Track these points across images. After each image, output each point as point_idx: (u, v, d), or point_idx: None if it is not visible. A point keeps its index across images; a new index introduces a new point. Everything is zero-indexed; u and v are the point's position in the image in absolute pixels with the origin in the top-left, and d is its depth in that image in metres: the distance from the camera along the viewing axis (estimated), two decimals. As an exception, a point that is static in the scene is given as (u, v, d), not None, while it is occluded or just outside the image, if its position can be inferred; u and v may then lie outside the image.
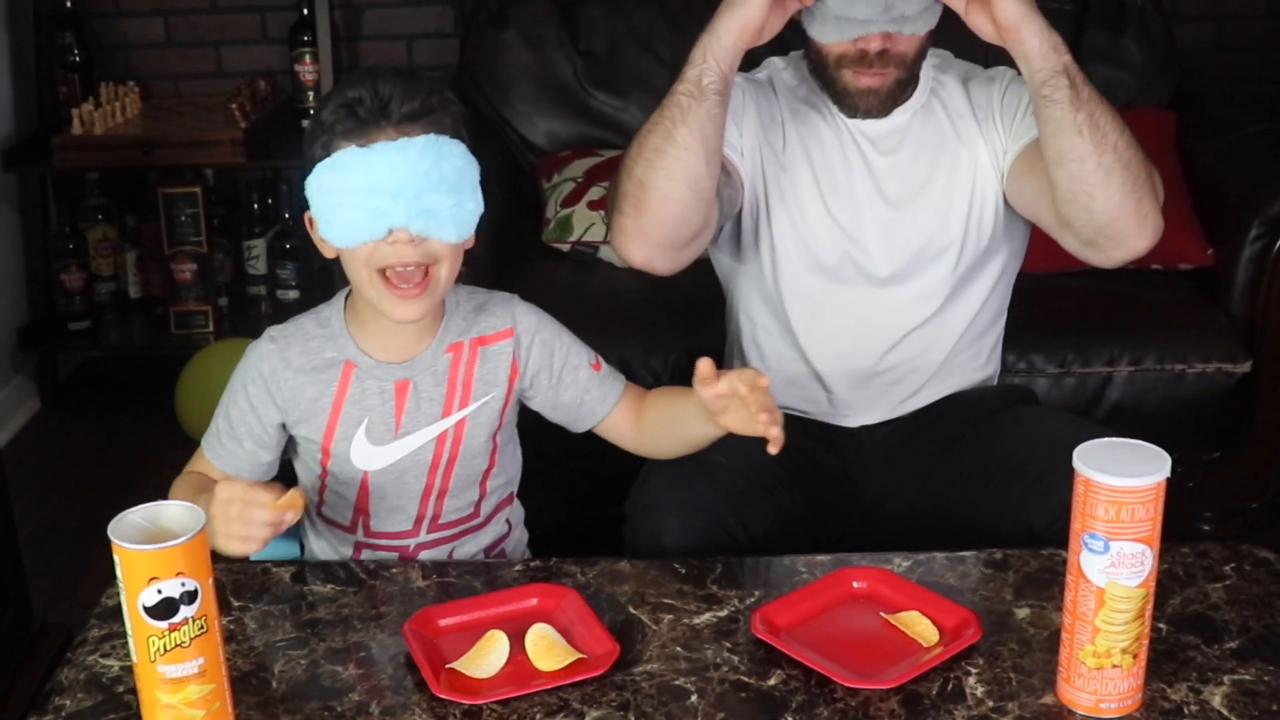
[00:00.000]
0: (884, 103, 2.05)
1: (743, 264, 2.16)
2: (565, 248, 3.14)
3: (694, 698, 1.48)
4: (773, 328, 2.16)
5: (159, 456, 1.86)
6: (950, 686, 1.49)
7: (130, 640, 1.35)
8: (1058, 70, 1.83)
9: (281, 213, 3.90)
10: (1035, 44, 1.83)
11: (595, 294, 2.97)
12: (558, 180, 3.23)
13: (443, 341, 1.83)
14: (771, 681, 1.51)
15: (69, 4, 3.82)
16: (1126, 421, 2.70)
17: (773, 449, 1.70)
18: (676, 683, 1.51)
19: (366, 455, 1.82)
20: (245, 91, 3.78)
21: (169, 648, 1.34)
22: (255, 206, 3.91)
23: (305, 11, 3.84)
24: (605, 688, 1.50)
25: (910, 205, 2.08)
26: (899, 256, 2.08)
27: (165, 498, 1.51)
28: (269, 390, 1.81)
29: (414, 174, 1.66)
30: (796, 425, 2.15)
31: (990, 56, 2.55)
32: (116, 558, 1.33)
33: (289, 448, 1.87)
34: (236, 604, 1.67)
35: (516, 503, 1.99)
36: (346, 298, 1.84)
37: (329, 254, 1.77)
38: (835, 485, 2.13)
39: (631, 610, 1.64)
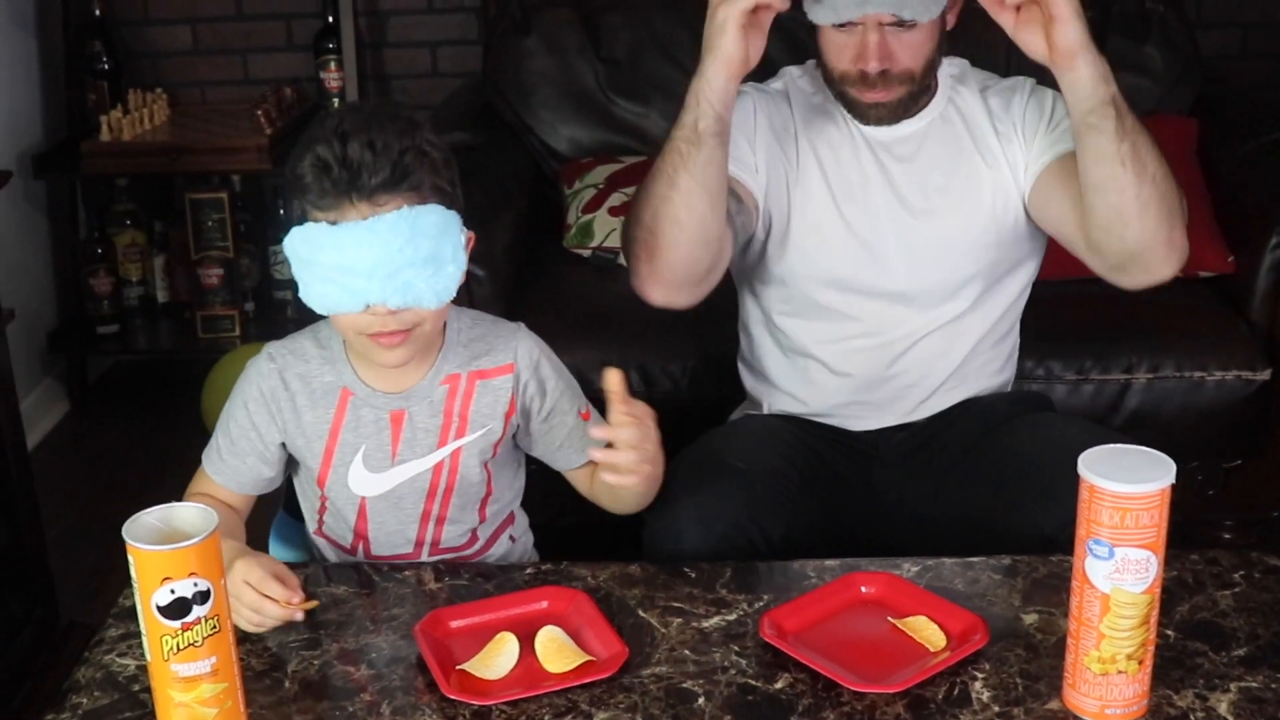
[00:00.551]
0: (894, 113, 2.06)
1: (758, 272, 2.17)
2: (586, 253, 3.16)
3: (701, 700, 1.49)
4: (788, 333, 2.17)
5: (185, 459, 1.87)
6: (956, 691, 1.50)
7: (144, 639, 1.37)
8: (1106, 100, 1.82)
9: (307, 219, 3.92)
10: (1088, 73, 1.81)
11: (616, 300, 2.96)
12: (579, 186, 3.25)
13: (440, 372, 1.80)
14: (779, 685, 1.52)
15: (98, 12, 3.86)
16: (1145, 429, 2.69)
17: (607, 477, 1.72)
18: (684, 685, 1.52)
19: (364, 481, 1.81)
20: (271, 98, 3.81)
21: (182, 647, 1.36)
22: (281, 212, 3.92)
23: (330, 19, 3.88)
24: (614, 690, 1.51)
25: (928, 213, 2.08)
26: (916, 264, 2.09)
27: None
28: (269, 410, 1.79)
29: (387, 252, 1.61)
30: (813, 430, 2.16)
31: (1010, 66, 2.56)
32: (131, 558, 1.35)
33: (289, 465, 1.87)
34: (251, 605, 1.69)
35: (519, 513, 1.98)
36: None
37: None
38: (852, 490, 2.14)
39: (641, 613, 1.65)
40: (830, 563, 1.75)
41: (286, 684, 1.55)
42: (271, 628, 1.61)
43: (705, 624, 1.63)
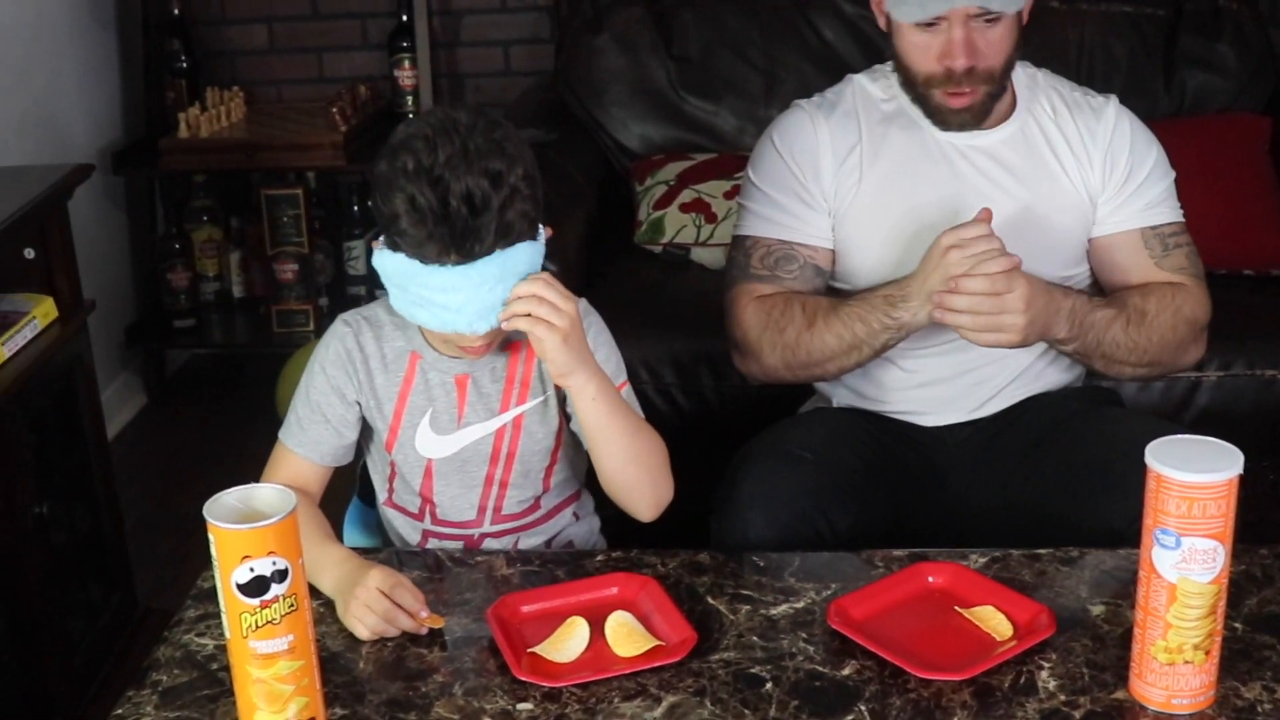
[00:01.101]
0: (977, 116, 2.07)
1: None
2: (657, 249, 3.18)
3: (769, 685, 1.51)
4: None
5: (260, 452, 1.90)
6: (1023, 679, 1.50)
7: (224, 617, 1.40)
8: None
9: (381, 215, 3.96)
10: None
11: (686, 295, 3.01)
12: (650, 183, 3.27)
13: (503, 339, 1.84)
14: (846, 671, 1.53)
15: (176, 12, 3.93)
16: (1215, 427, 2.62)
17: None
18: (752, 670, 1.53)
19: (430, 443, 1.84)
20: (346, 96, 3.86)
21: (260, 624, 1.39)
22: (355, 208, 3.98)
23: (405, 18, 3.92)
24: (682, 674, 1.53)
25: (1004, 223, 2.07)
26: None
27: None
28: (346, 371, 1.83)
29: (478, 293, 1.65)
30: (881, 423, 2.17)
31: (1082, 65, 2.57)
32: (211, 537, 1.38)
33: (361, 440, 1.89)
34: (328, 588, 1.72)
35: (585, 494, 2.00)
36: None
37: None
38: (918, 482, 2.15)
39: (710, 600, 1.67)
40: (898, 553, 1.76)
41: (361, 664, 1.58)
42: (394, 635, 1.62)
43: (773, 611, 1.64)
